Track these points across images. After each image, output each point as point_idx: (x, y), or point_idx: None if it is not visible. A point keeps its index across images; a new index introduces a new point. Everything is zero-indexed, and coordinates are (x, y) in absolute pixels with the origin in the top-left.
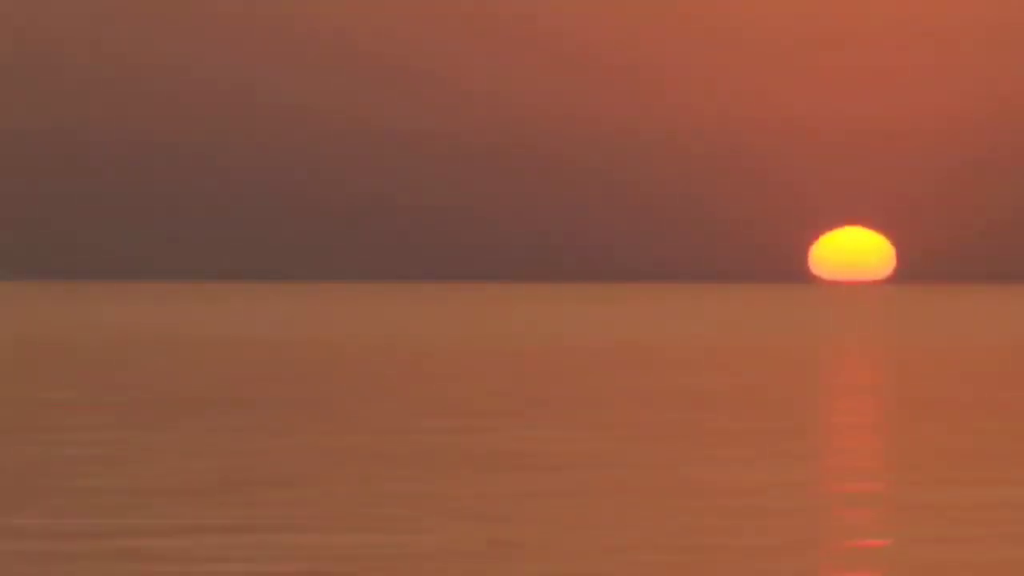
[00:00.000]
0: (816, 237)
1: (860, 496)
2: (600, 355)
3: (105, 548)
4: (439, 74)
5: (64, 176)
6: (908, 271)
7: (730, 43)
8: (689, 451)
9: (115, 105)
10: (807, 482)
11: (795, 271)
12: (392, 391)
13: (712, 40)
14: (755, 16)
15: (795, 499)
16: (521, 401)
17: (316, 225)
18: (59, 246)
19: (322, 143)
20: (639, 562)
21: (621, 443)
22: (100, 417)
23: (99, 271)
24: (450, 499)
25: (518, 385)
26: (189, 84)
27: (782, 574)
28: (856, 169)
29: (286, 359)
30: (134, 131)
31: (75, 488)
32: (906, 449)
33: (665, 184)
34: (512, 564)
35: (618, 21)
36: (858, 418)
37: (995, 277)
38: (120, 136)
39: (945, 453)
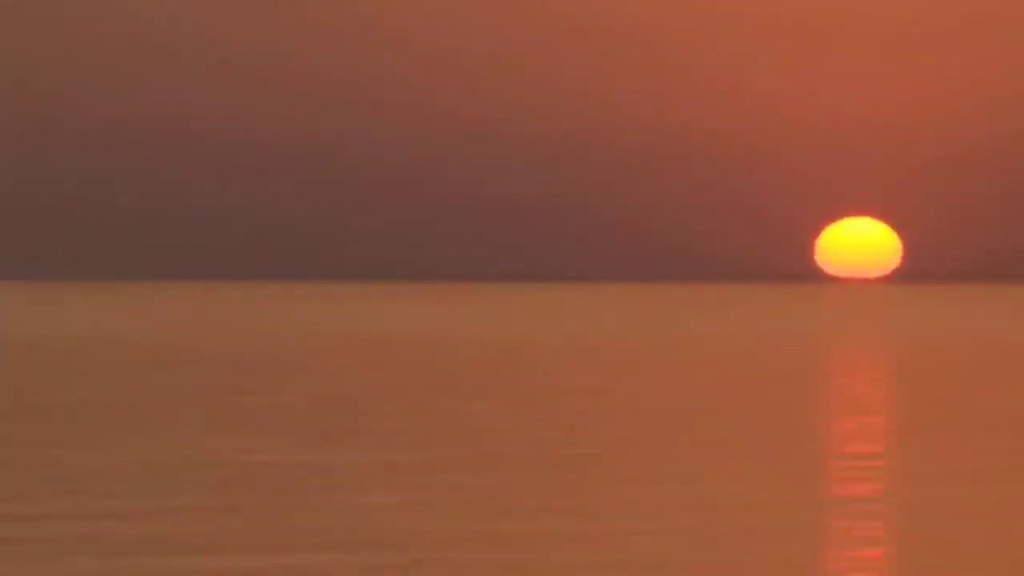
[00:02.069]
0: (821, 229)
1: None
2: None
3: None
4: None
5: (63, 176)
6: (915, 263)
7: (732, 39)
8: None
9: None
10: None
11: (800, 264)
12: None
13: (714, 37)
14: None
15: None
16: None
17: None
18: (57, 246)
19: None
20: None
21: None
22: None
23: (94, 272)
24: None
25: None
26: (190, 84)
27: None
28: (861, 159)
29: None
30: (137, 129)
31: None
32: None
33: (665, 181)
34: None
35: (619, 19)
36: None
37: (1003, 269)
38: (122, 135)
39: None
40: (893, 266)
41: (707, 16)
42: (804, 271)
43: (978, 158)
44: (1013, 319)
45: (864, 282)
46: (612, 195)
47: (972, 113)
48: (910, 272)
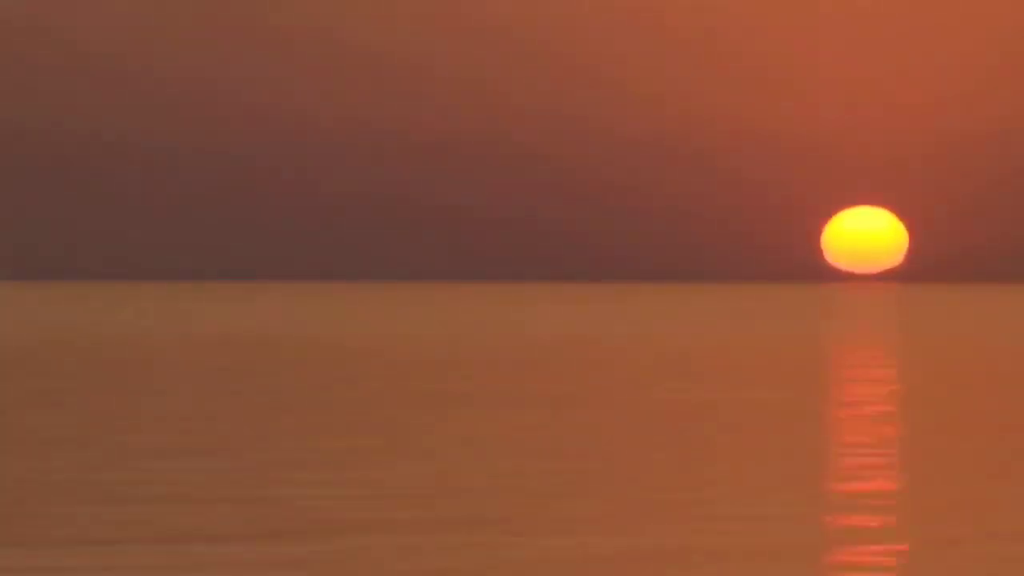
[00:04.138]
0: (825, 219)
1: None
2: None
3: None
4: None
5: (60, 176)
6: (921, 253)
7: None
8: None
9: (114, 105)
10: None
11: (807, 257)
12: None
13: (715, 31)
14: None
15: None
16: None
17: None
18: (57, 246)
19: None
20: None
21: None
22: None
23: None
24: None
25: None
26: (191, 85)
27: None
28: (865, 147)
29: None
30: (134, 131)
31: None
32: None
33: (666, 181)
34: None
35: (625, 21)
36: None
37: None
38: (119, 137)
39: None
40: (900, 257)
41: (710, 10)
42: (810, 264)
43: (980, 144)
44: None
45: (872, 276)
46: (611, 192)
47: (975, 100)
48: (917, 263)
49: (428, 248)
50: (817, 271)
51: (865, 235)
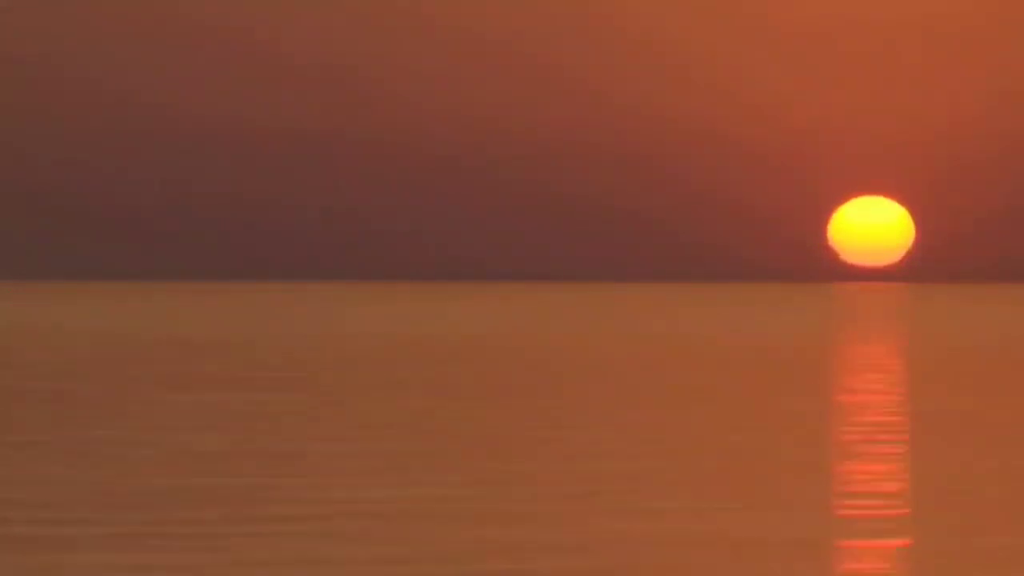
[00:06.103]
0: (833, 210)
1: None
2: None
3: None
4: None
5: (58, 175)
6: (927, 243)
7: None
8: None
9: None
10: None
11: (813, 248)
12: None
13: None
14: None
15: None
16: None
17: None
18: (54, 247)
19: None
20: None
21: None
22: None
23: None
24: None
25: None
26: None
27: None
28: (872, 139)
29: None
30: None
31: None
32: None
33: (670, 179)
34: None
35: (627, 16)
36: None
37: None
38: (121, 134)
39: None
40: (906, 248)
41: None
42: (816, 255)
43: (983, 138)
44: None
45: (878, 270)
46: (613, 191)
47: (982, 93)
48: (922, 255)
49: (431, 245)
50: (823, 262)
51: (872, 225)
